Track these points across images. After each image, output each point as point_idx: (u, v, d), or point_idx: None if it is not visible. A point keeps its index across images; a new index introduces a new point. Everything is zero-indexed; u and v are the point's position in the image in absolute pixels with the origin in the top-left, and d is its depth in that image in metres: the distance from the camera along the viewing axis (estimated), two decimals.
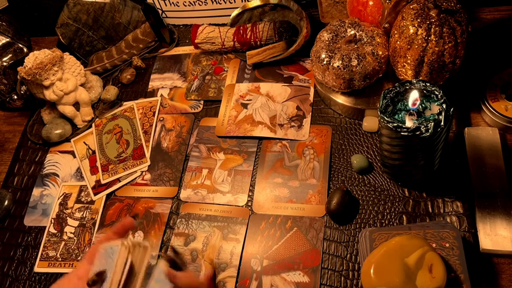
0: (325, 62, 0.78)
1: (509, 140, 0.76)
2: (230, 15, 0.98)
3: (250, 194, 0.79)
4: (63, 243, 0.82)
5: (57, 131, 0.93)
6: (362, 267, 0.61)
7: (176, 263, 0.56)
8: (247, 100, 0.90)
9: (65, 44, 1.01)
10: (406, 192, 0.74)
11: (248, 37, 0.93)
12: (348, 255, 0.70)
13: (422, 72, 0.72)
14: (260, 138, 0.85)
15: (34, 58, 0.87)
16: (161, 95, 0.95)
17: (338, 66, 0.76)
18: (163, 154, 0.87)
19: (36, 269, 0.80)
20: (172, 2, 1.01)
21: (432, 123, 0.59)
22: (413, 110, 0.61)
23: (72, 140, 0.94)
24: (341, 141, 0.81)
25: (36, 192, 0.89)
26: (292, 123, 0.85)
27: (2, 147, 0.98)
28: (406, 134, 0.59)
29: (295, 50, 0.90)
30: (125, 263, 0.53)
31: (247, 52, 0.91)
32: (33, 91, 0.93)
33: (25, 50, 1.01)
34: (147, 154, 0.88)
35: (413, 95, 0.62)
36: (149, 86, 0.98)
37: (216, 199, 0.80)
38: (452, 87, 0.75)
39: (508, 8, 0.91)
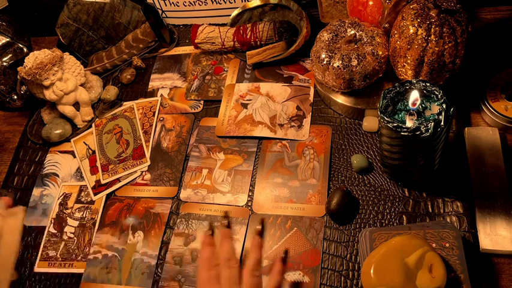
0: (325, 62, 0.78)
1: (509, 140, 0.76)
2: (230, 15, 0.98)
3: (250, 194, 0.79)
4: (63, 243, 0.82)
5: (57, 131, 0.93)
6: (362, 267, 0.61)
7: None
8: (247, 100, 0.90)
9: (65, 44, 1.01)
10: (406, 192, 0.74)
11: (248, 37, 0.93)
12: (348, 255, 0.70)
13: (422, 72, 0.72)
14: (260, 138, 0.85)
15: (34, 58, 0.87)
16: (161, 95, 0.95)
17: (338, 66, 0.76)
18: (163, 154, 0.87)
19: (36, 269, 0.80)
20: (172, 2, 1.01)
21: (432, 123, 0.59)
22: (413, 110, 0.61)
23: (72, 140, 0.94)
24: (341, 141, 0.81)
25: (36, 192, 0.89)
26: (292, 123, 0.85)
27: (2, 147, 0.98)
28: (406, 134, 0.59)
29: (295, 50, 0.90)
30: None
31: (247, 52, 0.91)
32: (33, 91, 0.93)
33: (25, 50, 1.01)
34: (147, 154, 0.88)
35: (414, 95, 0.62)
36: (149, 86, 0.98)
37: (216, 199, 0.80)
38: (452, 87, 0.75)
39: (508, 8, 0.91)
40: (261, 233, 0.62)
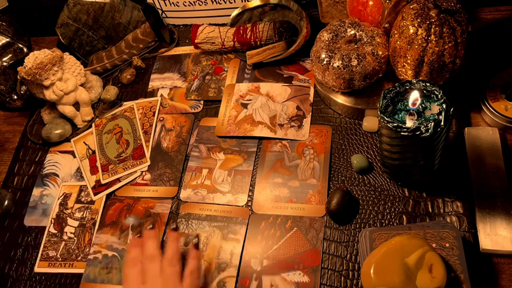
0: (325, 62, 0.78)
1: (509, 140, 0.76)
2: (230, 15, 0.98)
3: (250, 194, 0.79)
4: (63, 243, 0.82)
5: (57, 131, 0.93)
6: (362, 267, 0.61)
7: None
8: (247, 100, 0.90)
9: (65, 44, 1.01)
10: (406, 192, 0.74)
11: (248, 37, 0.93)
12: (348, 255, 0.70)
13: (422, 72, 0.72)
14: (260, 138, 0.85)
15: (34, 58, 0.87)
16: (161, 95, 0.95)
17: (338, 66, 0.76)
18: (163, 154, 0.87)
19: (37, 269, 0.80)
20: (172, 2, 1.01)
21: (432, 123, 0.59)
22: (413, 110, 0.61)
23: (72, 140, 0.94)
24: (341, 141, 0.81)
25: (36, 192, 0.89)
26: (292, 123, 0.85)
27: (2, 147, 0.98)
28: (406, 134, 0.59)
29: (295, 50, 0.90)
30: None
31: (247, 52, 0.91)
32: (33, 91, 0.93)
33: (25, 50, 1.01)
34: (147, 154, 0.88)
35: (414, 95, 0.62)
36: (149, 86, 0.98)
37: (216, 199, 0.80)
38: (452, 87, 0.75)
39: (508, 8, 0.91)
40: (175, 228, 0.71)
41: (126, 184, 0.85)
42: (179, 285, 0.64)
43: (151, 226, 0.70)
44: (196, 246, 0.69)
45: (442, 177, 0.73)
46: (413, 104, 0.62)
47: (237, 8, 0.98)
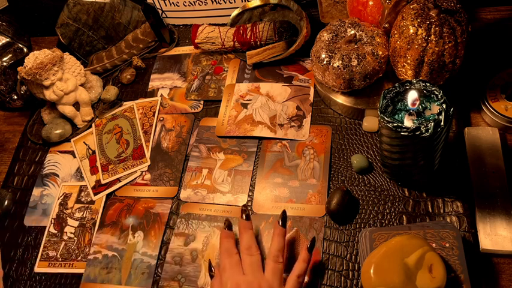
0: (325, 62, 0.78)
1: (509, 140, 0.76)
2: (230, 15, 0.98)
3: (250, 194, 0.79)
4: (63, 243, 0.82)
5: (57, 131, 0.93)
6: (362, 267, 0.61)
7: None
8: (247, 100, 0.90)
9: (65, 44, 1.01)
10: (406, 192, 0.74)
11: (248, 37, 0.93)
12: (348, 255, 0.70)
13: (422, 72, 0.72)
14: (260, 138, 0.85)
15: (34, 58, 0.87)
16: (161, 95, 0.95)
17: (338, 66, 0.76)
18: (163, 154, 0.87)
19: (37, 269, 0.80)
20: (172, 2, 1.01)
21: (432, 123, 0.59)
22: (413, 110, 0.61)
23: (72, 140, 0.94)
24: (341, 141, 0.81)
25: (36, 192, 0.89)
26: (292, 123, 0.85)
27: (2, 147, 0.98)
28: (406, 134, 0.59)
29: (295, 50, 0.90)
30: None
31: (247, 52, 0.91)
32: (33, 91, 0.93)
33: (25, 50, 1.01)
34: (147, 154, 0.88)
35: (412, 95, 0.62)
36: (149, 86, 0.98)
37: (216, 199, 0.80)
38: (452, 87, 0.75)
39: (508, 8, 0.91)
40: (283, 223, 0.68)
41: (126, 184, 0.85)
42: (281, 285, 0.63)
43: (245, 217, 0.70)
44: (310, 250, 0.67)
45: (442, 177, 0.73)
46: (413, 104, 0.62)
47: (237, 8, 0.98)
